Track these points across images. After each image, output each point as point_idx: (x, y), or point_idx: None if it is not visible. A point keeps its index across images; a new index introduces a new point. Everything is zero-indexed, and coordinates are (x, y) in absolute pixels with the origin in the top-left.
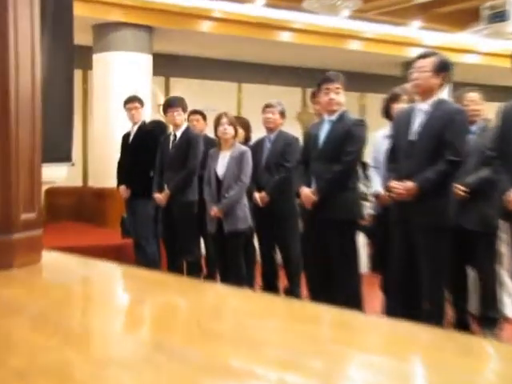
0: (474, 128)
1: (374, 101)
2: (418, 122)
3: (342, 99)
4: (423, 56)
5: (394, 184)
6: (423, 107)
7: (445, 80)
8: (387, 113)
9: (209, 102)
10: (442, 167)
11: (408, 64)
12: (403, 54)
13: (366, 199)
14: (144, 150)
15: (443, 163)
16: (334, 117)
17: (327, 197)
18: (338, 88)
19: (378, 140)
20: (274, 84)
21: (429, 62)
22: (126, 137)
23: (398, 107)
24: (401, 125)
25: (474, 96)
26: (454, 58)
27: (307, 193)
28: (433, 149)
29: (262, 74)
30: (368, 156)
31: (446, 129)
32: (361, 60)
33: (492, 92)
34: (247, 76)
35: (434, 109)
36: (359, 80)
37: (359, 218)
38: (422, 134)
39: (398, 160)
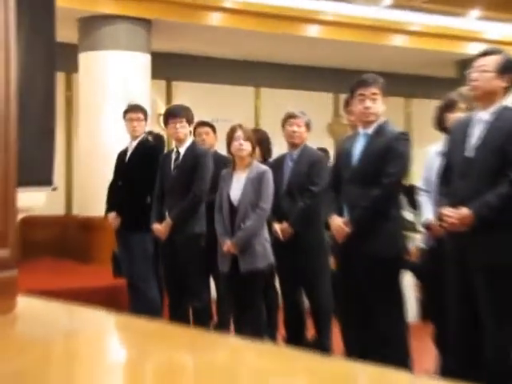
0: None
1: (423, 108)
2: (476, 135)
3: (379, 108)
4: (485, 53)
5: (447, 211)
6: (483, 116)
7: (511, 83)
8: (441, 124)
9: (220, 111)
10: (504, 190)
11: (465, 63)
12: (459, 51)
13: (413, 230)
14: (143, 171)
15: (506, 185)
16: (370, 129)
17: (364, 228)
18: (374, 94)
19: (429, 157)
20: (299, 89)
21: (491, 61)
22: (122, 155)
23: (454, 117)
24: (456, 138)
25: None
26: None
27: (339, 223)
28: (494, 167)
29: (284, 77)
30: (416, 177)
31: (511, 143)
32: (406, 59)
33: None
34: (266, 79)
35: (497, 118)
36: (404, 83)
37: (405, 253)
38: (480, 149)
39: (451, 181)
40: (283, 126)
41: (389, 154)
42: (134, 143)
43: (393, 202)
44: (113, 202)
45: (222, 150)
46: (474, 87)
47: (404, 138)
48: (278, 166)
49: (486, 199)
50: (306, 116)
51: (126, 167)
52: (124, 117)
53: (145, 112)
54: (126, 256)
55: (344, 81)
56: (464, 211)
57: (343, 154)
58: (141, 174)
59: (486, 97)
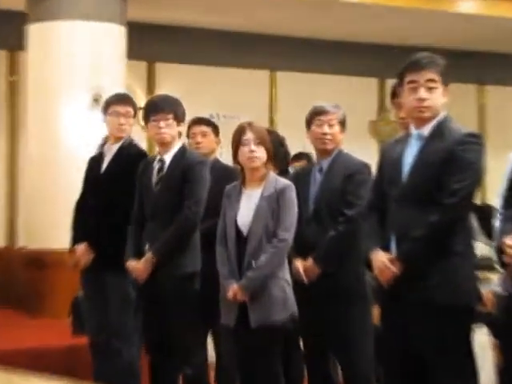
0: None
1: (502, 99)
2: None
3: (439, 99)
4: None
5: (509, 240)
6: None
7: None
8: None
9: (222, 104)
10: None
11: None
12: None
13: (490, 268)
14: (126, 185)
15: None
16: (426, 129)
17: (419, 267)
18: (431, 80)
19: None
20: (330, 72)
21: None
22: (94, 163)
23: None
24: None
25: None
26: None
27: (384, 260)
28: None
29: (308, 57)
30: (493, 195)
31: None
32: (476, 31)
33: None
34: (285, 59)
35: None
36: (476, 64)
37: (476, 301)
38: None
39: None
40: (308, 125)
41: (452, 163)
42: (114, 147)
43: (459, 230)
44: (82, 230)
45: (227, 158)
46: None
47: (474, 140)
48: (301, 180)
49: None
50: (341, 110)
51: (101, 180)
52: (105, 110)
53: (135, 106)
54: (96, 304)
55: (392, 61)
56: None
57: (390, 163)
58: (123, 189)
59: None
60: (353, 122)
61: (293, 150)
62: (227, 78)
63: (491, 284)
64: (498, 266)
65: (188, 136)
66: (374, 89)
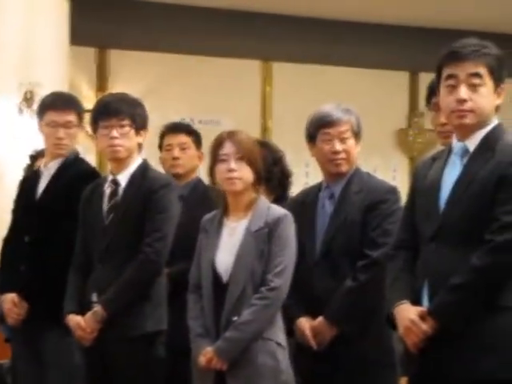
0: None
1: None
2: None
3: (487, 101)
4: None
5: None
6: None
7: None
8: None
9: (198, 105)
10: None
11: None
12: None
13: None
14: (69, 218)
15: None
16: (472, 141)
17: (458, 325)
18: (474, 76)
19: None
20: (343, 64)
21: None
22: (27, 186)
23: None
24: None
25: None
26: None
27: (412, 316)
28: None
29: (315, 43)
30: None
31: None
32: None
33: None
34: (283, 46)
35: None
36: None
37: None
38: None
39: None
40: (311, 139)
41: (505, 188)
42: (53, 166)
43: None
44: (11, 276)
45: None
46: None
47: None
48: (304, 210)
49: None
50: (354, 115)
51: (35, 210)
52: (40, 116)
53: (79, 110)
54: (28, 375)
55: (429, 50)
56: None
57: (424, 188)
58: (66, 222)
59: None
60: (375, 130)
61: (297, 171)
62: (205, 70)
63: None
64: None
65: (161, 148)
66: (403, 86)
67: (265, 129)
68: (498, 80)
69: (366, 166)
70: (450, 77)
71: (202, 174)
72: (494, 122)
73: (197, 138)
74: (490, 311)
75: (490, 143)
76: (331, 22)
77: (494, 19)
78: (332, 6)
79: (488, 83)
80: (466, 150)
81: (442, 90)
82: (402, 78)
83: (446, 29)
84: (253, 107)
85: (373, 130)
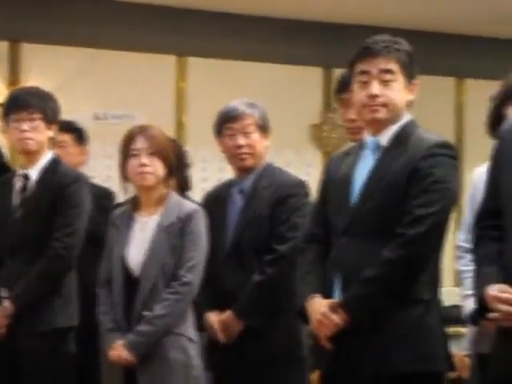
0: None
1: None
2: None
3: (399, 96)
4: None
5: (499, 292)
6: None
7: None
8: (496, 127)
9: (110, 99)
10: None
11: None
12: None
13: (459, 321)
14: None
15: None
16: (384, 137)
17: (369, 317)
18: (386, 72)
19: (476, 189)
20: (258, 59)
21: None
22: None
23: None
24: None
25: None
26: None
27: (323, 310)
28: None
29: (230, 38)
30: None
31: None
32: (460, 8)
33: None
34: (198, 41)
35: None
36: (455, 52)
37: (446, 366)
38: None
39: (506, 234)
40: (218, 134)
41: (415, 181)
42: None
43: (424, 273)
44: None
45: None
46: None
47: (444, 152)
48: (215, 204)
49: None
50: (258, 109)
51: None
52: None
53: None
54: None
55: (343, 46)
56: None
57: (336, 182)
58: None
59: None
60: (289, 126)
61: (211, 166)
62: (119, 64)
63: (462, 341)
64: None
65: (56, 145)
66: (317, 82)
67: (179, 124)
68: (409, 76)
69: (280, 161)
70: (362, 73)
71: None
72: (407, 117)
73: (78, 135)
74: (402, 304)
75: (402, 138)
76: (246, 17)
77: (410, 16)
78: (245, 1)
79: (400, 79)
80: (378, 145)
81: (355, 86)
82: (315, 73)
83: (361, 25)
84: (167, 102)
85: (287, 126)
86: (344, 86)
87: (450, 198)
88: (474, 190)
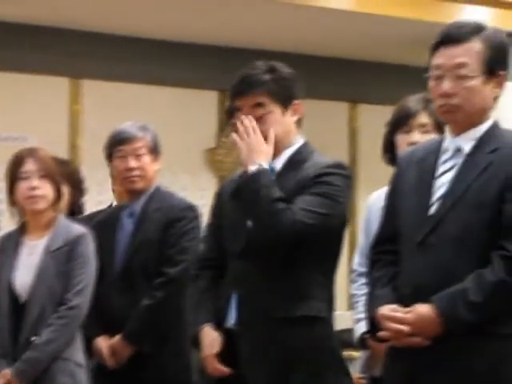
0: None
1: (380, 120)
2: (448, 178)
3: (279, 128)
4: (455, 36)
5: (388, 311)
6: (462, 145)
7: (501, 86)
8: (390, 151)
9: (4, 121)
10: (498, 273)
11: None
12: (444, 19)
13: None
14: None
15: (501, 264)
16: (279, 161)
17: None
18: (258, 105)
19: (371, 213)
20: (151, 83)
21: (474, 52)
22: None
23: (408, 141)
24: (409, 181)
25: None
26: None
27: (213, 337)
28: (480, 233)
29: (124, 61)
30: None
31: (507, 188)
32: (349, 33)
33: None
34: (92, 64)
35: (485, 149)
36: (347, 75)
37: None
38: (456, 201)
39: (400, 258)
40: (109, 158)
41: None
42: None
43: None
44: None
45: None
46: (448, 109)
47: (338, 171)
48: (105, 228)
49: (464, 288)
50: (149, 133)
51: None
52: None
53: None
54: None
55: (236, 70)
56: (422, 310)
57: (228, 205)
58: None
59: (469, 118)
60: (184, 150)
61: (106, 189)
62: (12, 86)
63: (355, 365)
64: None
65: None
66: (212, 106)
67: (73, 147)
68: (286, 100)
69: (175, 185)
70: (237, 109)
71: None
72: (300, 141)
73: None
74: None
75: (296, 161)
76: (141, 40)
77: (305, 41)
78: (140, 24)
79: (273, 109)
80: (272, 169)
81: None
82: (210, 97)
83: (256, 49)
84: (61, 125)
85: (182, 149)
86: (233, 111)
87: (339, 212)
88: (369, 214)
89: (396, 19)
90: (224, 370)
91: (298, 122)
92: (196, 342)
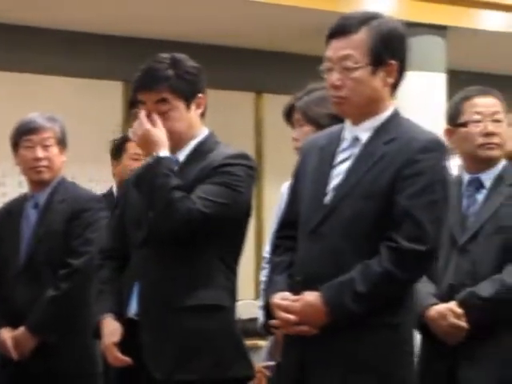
0: (484, 177)
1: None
2: (342, 168)
3: (181, 124)
4: (341, 28)
5: (279, 299)
6: (359, 134)
7: (393, 75)
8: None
9: None
10: (384, 264)
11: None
12: (340, 9)
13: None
14: None
15: (387, 255)
16: (182, 153)
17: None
18: (163, 101)
19: (283, 202)
20: (55, 73)
21: (358, 43)
22: None
23: (306, 131)
24: (310, 168)
25: (489, 103)
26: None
27: (113, 328)
28: (371, 223)
29: (27, 50)
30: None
31: (400, 181)
32: (256, 24)
33: None
34: None
35: (378, 138)
36: (252, 65)
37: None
38: (349, 191)
39: (297, 244)
40: (15, 148)
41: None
42: None
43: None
44: None
45: None
46: (339, 100)
47: (239, 162)
48: (8, 219)
49: (351, 278)
50: (58, 123)
51: None
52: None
53: None
54: None
55: (139, 60)
56: (309, 298)
57: (133, 197)
58: None
59: (359, 109)
60: (90, 140)
61: (10, 180)
62: None
63: (260, 354)
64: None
65: None
66: (117, 96)
67: None
68: (190, 94)
69: (81, 176)
70: (142, 103)
71: None
72: (204, 132)
73: None
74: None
75: (200, 153)
76: (42, 30)
77: (212, 32)
78: (43, 14)
79: (178, 104)
80: (176, 161)
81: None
82: (115, 87)
83: (160, 39)
84: None
85: (87, 140)
86: (135, 103)
87: (239, 202)
88: (282, 202)
89: (299, 9)
90: (124, 359)
91: (202, 114)
92: (97, 333)
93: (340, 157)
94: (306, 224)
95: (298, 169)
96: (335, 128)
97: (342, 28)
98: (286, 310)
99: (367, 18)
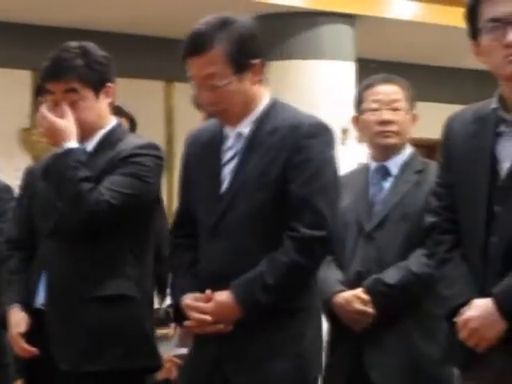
0: (390, 165)
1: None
2: (233, 164)
3: (90, 113)
4: (195, 47)
5: (191, 301)
6: (241, 130)
7: (259, 72)
8: None
9: None
10: (290, 254)
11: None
12: None
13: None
14: None
15: (289, 244)
16: (91, 143)
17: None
18: (73, 91)
19: None
20: None
21: (217, 58)
22: None
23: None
24: (197, 166)
25: (388, 91)
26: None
27: (20, 318)
28: (268, 215)
29: None
30: None
31: (290, 170)
32: (161, 10)
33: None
34: None
35: (264, 130)
36: (161, 53)
37: (152, 366)
38: (243, 186)
39: (198, 243)
40: None
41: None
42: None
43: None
44: None
45: None
46: (219, 112)
47: (147, 152)
48: None
49: (259, 272)
50: None
51: None
52: None
53: None
54: None
55: (48, 48)
56: (221, 298)
57: (39, 186)
58: None
59: (240, 113)
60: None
61: None
62: None
63: (171, 343)
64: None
65: None
66: (25, 85)
67: None
68: (99, 84)
69: None
70: (49, 92)
71: None
72: (113, 122)
73: None
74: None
75: (108, 143)
76: None
77: (119, 20)
78: None
79: (87, 94)
80: (84, 151)
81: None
82: (23, 76)
83: (71, 28)
84: None
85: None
86: (43, 92)
87: (147, 192)
88: None
89: None
90: (31, 349)
91: (111, 104)
92: (5, 323)
93: (228, 154)
94: (205, 223)
95: (185, 160)
96: (213, 123)
97: (196, 48)
98: (199, 310)
99: (217, 29)
